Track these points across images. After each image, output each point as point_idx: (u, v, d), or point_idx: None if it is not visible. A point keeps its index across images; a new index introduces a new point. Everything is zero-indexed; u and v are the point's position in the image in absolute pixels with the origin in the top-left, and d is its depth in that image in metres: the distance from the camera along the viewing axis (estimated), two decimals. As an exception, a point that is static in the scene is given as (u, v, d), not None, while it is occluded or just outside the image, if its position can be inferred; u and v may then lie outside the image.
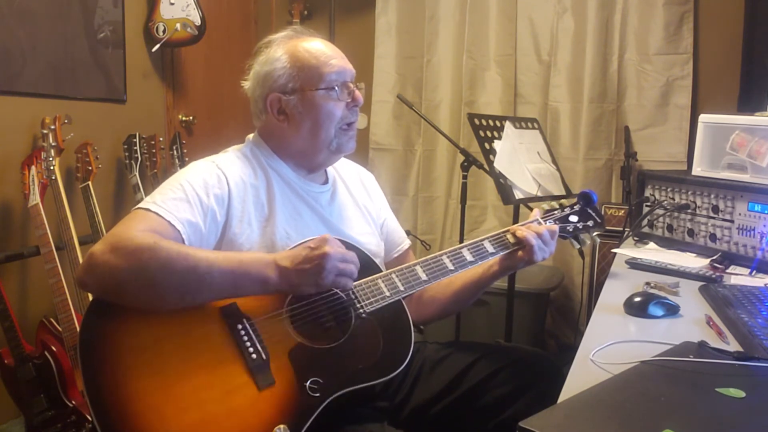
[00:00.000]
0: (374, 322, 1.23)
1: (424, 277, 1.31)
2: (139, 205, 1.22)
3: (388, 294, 1.26)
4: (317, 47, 1.38)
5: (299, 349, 1.17)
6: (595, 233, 1.52)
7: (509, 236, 1.39)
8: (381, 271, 1.32)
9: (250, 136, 1.46)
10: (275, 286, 1.17)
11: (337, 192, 1.48)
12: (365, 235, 1.45)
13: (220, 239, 1.28)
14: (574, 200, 1.54)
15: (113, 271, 1.09)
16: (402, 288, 1.28)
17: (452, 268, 1.33)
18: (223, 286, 1.14)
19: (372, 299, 1.25)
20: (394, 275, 1.29)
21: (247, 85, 1.43)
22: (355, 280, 1.24)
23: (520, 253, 1.37)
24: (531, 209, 1.53)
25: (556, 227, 1.41)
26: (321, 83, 1.35)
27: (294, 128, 1.37)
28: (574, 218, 1.50)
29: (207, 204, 1.25)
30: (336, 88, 1.35)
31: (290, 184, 1.39)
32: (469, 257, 1.35)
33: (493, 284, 1.46)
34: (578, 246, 1.51)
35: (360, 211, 1.50)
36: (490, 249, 1.37)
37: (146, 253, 1.09)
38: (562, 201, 1.54)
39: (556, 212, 1.50)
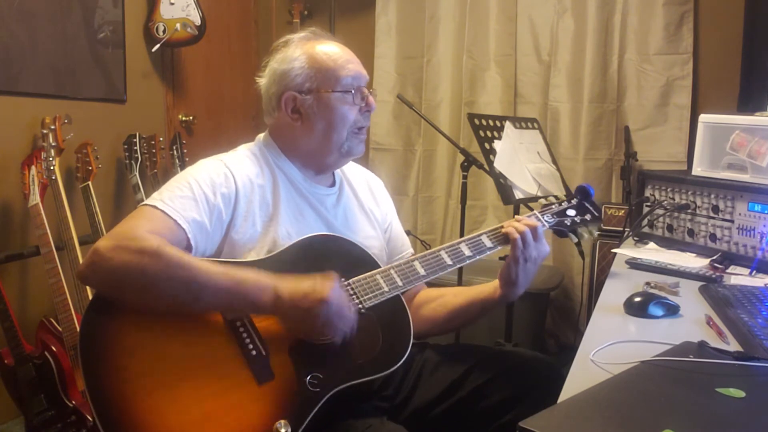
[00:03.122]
0: (373, 318, 1.24)
1: (422, 272, 1.31)
2: (146, 202, 1.22)
3: (386, 289, 1.26)
4: (335, 50, 1.40)
5: (299, 344, 1.17)
6: (593, 227, 1.51)
7: (505, 229, 1.38)
8: (379, 267, 1.32)
9: (261, 135, 1.46)
10: (267, 312, 1.17)
11: (343, 195, 1.48)
12: (369, 239, 1.46)
13: (223, 237, 1.28)
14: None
15: (115, 269, 1.10)
16: (400, 283, 1.28)
17: (450, 263, 1.33)
18: (217, 302, 1.15)
19: (371, 294, 1.25)
20: (392, 271, 1.30)
21: (262, 81, 1.43)
22: (353, 276, 1.25)
23: (512, 247, 1.35)
24: (531, 209, 1.53)
25: (537, 224, 1.37)
26: (337, 86, 1.36)
27: (307, 128, 1.38)
28: (571, 212, 1.49)
29: (213, 202, 1.26)
30: (351, 91, 1.37)
31: (296, 185, 1.39)
32: (467, 252, 1.35)
33: (513, 299, 1.40)
34: (576, 240, 1.51)
35: (365, 214, 1.51)
36: (488, 244, 1.37)
37: (148, 257, 1.10)
38: (560, 195, 1.53)
39: (553, 206, 1.50)
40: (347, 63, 1.38)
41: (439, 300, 1.47)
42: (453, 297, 1.46)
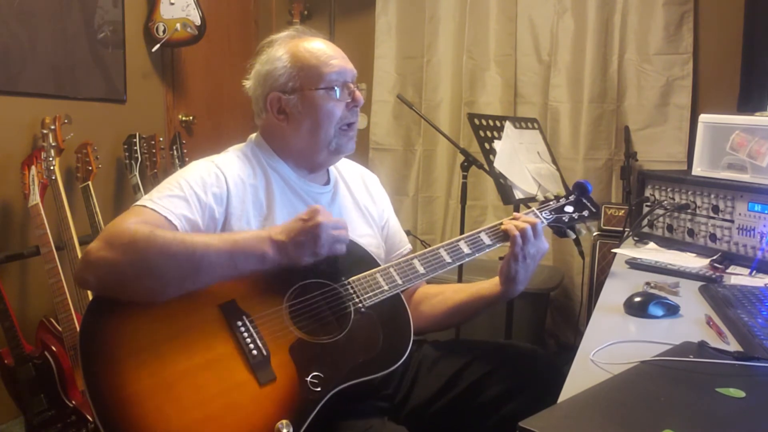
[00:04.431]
0: (373, 316, 1.24)
1: (421, 270, 1.31)
2: (137, 203, 1.23)
3: (386, 288, 1.27)
4: (318, 47, 1.39)
5: (300, 344, 1.17)
6: (592, 223, 1.51)
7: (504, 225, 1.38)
8: (379, 265, 1.32)
9: (252, 135, 1.46)
10: (273, 261, 1.19)
11: (338, 193, 1.48)
12: (365, 236, 1.46)
13: None
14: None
15: (112, 265, 1.10)
16: (400, 282, 1.28)
17: (449, 260, 1.33)
18: (222, 266, 1.16)
19: (371, 293, 1.25)
20: (392, 269, 1.30)
21: (248, 84, 1.43)
22: (353, 275, 1.25)
23: (511, 244, 1.34)
24: (529, 209, 1.53)
25: (536, 220, 1.38)
26: (321, 83, 1.35)
27: (293, 128, 1.38)
28: (569, 209, 1.49)
29: (205, 202, 1.26)
30: (336, 88, 1.36)
31: (290, 184, 1.39)
32: (466, 249, 1.35)
33: (513, 295, 1.41)
34: (574, 236, 1.50)
35: (361, 212, 1.50)
36: (487, 241, 1.37)
37: (142, 243, 1.10)
38: (558, 192, 1.53)
39: (551, 203, 1.49)
40: (330, 59, 1.37)
41: (439, 297, 1.47)
42: (453, 293, 1.46)
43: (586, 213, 1.50)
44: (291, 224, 1.21)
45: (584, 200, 1.51)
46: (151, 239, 1.11)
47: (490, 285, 1.41)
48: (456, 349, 1.46)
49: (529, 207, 1.51)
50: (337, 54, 1.39)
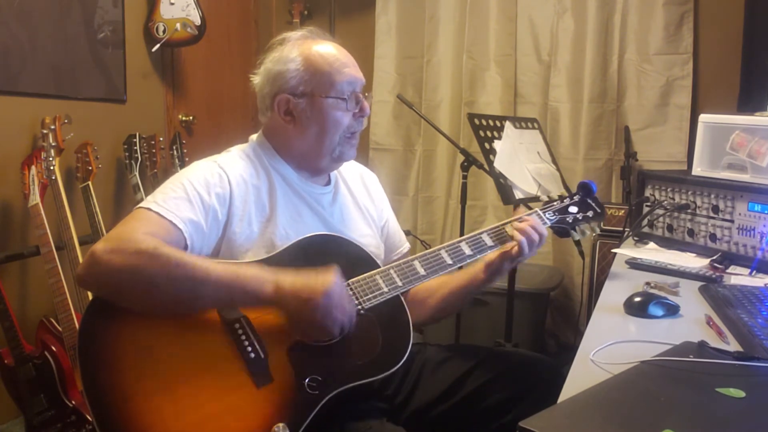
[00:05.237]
0: (373, 318, 1.23)
1: (422, 272, 1.30)
2: (141, 205, 1.22)
3: (386, 290, 1.26)
4: (332, 53, 1.37)
5: (297, 346, 1.17)
6: (596, 224, 1.50)
7: (508, 228, 1.38)
8: (378, 267, 1.31)
9: (254, 136, 1.46)
10: (267, 304, 1.15)
11: (339, 193, 1.48)
12: (365, 237, 1.46)
13: (221, 238, 1.28)
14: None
15: (112, 272, 1.09)
16: (400, 283, 1.28)
17: (450, 262, 1.33)
18: (217, 298, 1.14)
19: (370, 295, 1.24)
20: (392, 271, 1.29)
21: (256, 80, 1.42)
22: (353, 276, 1.25)
23: (514, 249, 1.35)
24: (531, 209, 1.52)
25: (544, 231, 1.39)
26: (332, 91, 1.34)
27: (299, 131, 1.37)
28: (573, 209, 1.48)
29: (208, 203, 1.25)
30: (346, 97, 1.35)
31: (292, 185, 1.39)
32: (467, 251, 1.35)
33: (492, 285, 1.44)
34: (578, 237, 1.49)
35: (361, 212, 1.50)
36: (489, 242, 1.37)
37: (145, 258, 1.09)
38: (562, 192, 1.52)
39: (555, 204, 1.48)
40: (343, 67, 1.36)
41: (425, 292, 1.47)
42: (438, 288, 1.46)
43: (590, 213, 1.48)
44: (300, 276, 1.14)
45: (589, 201, 1.50)
46: (154, 256, 1.10)
47: (470, 277, 1.41)
48: (459, 354, 1.46)
49: (528, 207, 1.51)
50: (349, 62, 1.39)
